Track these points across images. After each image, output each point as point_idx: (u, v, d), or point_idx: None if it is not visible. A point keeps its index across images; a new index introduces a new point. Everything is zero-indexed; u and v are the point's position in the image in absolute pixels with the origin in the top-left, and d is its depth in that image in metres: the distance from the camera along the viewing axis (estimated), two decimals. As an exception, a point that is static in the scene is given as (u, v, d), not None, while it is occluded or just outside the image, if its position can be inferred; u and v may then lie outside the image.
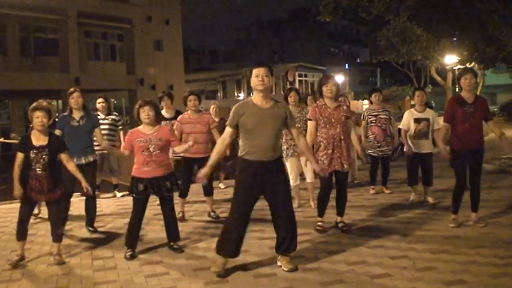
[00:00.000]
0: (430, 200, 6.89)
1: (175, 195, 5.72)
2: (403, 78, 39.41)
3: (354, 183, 8.39)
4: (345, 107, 5.54)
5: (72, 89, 5.95)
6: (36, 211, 6.37)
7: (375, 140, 7.51)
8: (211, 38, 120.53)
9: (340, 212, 5.69)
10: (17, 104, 23.28)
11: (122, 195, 8.03)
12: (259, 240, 5.30)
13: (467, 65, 26.91)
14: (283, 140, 6.55)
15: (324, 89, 5.47)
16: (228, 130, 4.35)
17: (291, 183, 6.79)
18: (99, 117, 7.79)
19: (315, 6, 25.00)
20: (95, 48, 24.33)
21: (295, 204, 6.65)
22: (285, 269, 4.36)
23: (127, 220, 5.78)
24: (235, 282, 4.17)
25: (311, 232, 5.60)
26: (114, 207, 7.37)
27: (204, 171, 4.45)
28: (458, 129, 5.45)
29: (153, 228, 6.00)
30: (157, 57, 25.94)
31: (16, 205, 7.62)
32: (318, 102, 5.62)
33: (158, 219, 6.33)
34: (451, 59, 24.22)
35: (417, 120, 6.80)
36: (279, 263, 4.46)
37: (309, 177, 6.78)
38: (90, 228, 5.95)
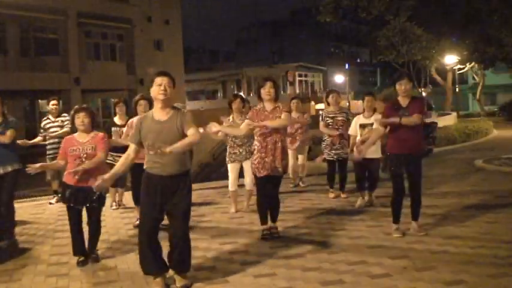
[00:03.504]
0: (359, 204, 6.79)
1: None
2: (403, 78, 39.34)
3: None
4: (281, 107, 5.31)
5: None
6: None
7: (331, 142, 7.36)
8: (211, 38, 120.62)
9: (272, 216, 5.45)
10: (17, 104, 23.28)
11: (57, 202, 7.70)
12: (259, 240, 5.30)
13: (467, 65, 27.00)
14: (229, 145, 6.54)
15: (262, 91, 5.31)
16: (131, 146, 4.12)
17: (246, 187, 6.74)
18: (49, 120, 7.78)
19: (315, 7, 24.97)
20: (95, 48, 24.31)
21: (232, 209, 6.71)
22: (178, 285, 4.12)
23: (126, 220, 5.79)
24: (235, 282, 4.17)
25: (311, 232, 5.60)
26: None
27: (101, 183, 4.13)
28: (393, 134, 5.28)
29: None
30: (157, 57, 25.97)
31: (16, 205, 7.64)
32: (255, 106, 5.48)
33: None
34: (451, 59, 24.24)
35: (362, 126, 6.68)
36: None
37: (248, 184, 6.63)
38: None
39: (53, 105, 7.85)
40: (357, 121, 6.82)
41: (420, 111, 5.18)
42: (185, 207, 4.12)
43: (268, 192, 5.38)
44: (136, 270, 4.53)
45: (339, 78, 48.70)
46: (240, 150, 6.48)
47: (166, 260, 4.18)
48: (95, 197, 4.74)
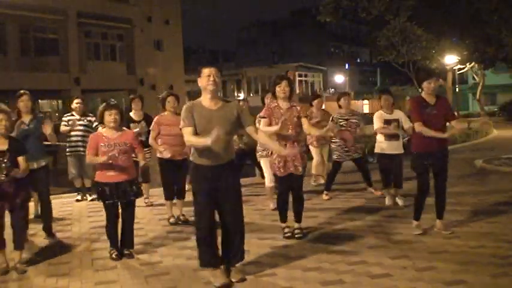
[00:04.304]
0: (400, 202, 6.78)
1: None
2: (403, 78, 39.38)
3: (359, 185, 8.32)
4: (298, 108, 5.33)
5: (21, 92, 5.77)
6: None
7: (344, 144, 7.37)
8: (211, 38, 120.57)
9: (297, 217, 5.45)
10: (17, 104, 23.26)
11: (92, 199, 7.65)
12: (259, 240, 5.29)
13: (467, 65, 27.03)
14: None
15: (278, 89, 5.29)
16: (188, 130, 4.04)
17: (266, 183, 6.79)
18: (74, 117, 7.76)
19: (315, 7, 24.97)
20: (95, 48, 24.30)
21: (271, 206, 6.69)
22: (233, 279, 4.13)
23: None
24: (235, 283, 4.16)
25: (311, 232, 5.59)
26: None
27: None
28: (419, 132, 5.22)
29: (153, 228, 6.00)
30: (157, 57, 25.96)
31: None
32: (270, 103, 5.46)
33: (158, 219, 6.34)
34: (451, 59, 24.23)
35: (387, 122, 6.68)
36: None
37: (268, 180, 6.67)
38: (47, 234, 5.67)
39: (76, 103, 7.85)
40: (380, 117, 6.75)
41: (449, 110, 5.33)
42: (236, 195, 4.20)
43: (293, 194, 5.40)
44: (136, 271, 4.54)
45: (339, 78, 48.74)
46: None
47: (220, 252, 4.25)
48: (135, 190, 4.87)
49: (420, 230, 5.37)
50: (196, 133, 4.04)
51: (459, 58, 24.05)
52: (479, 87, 34.72)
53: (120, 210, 4.93)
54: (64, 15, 20.91)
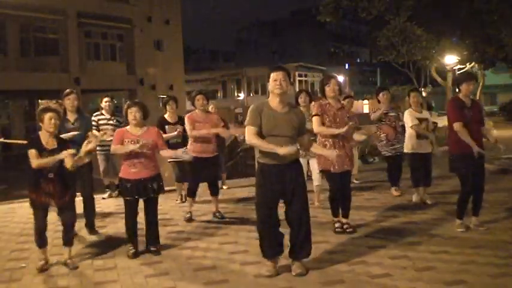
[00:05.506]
0: (428, 201, 6.85)
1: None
2: (403, 78, 39.41)
3: (356, 183, 8.37)
4: (345, 108, 5.56)
5: (68, 91, 5.87)
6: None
7: (387, 139, 7.48)
8: (211, 38, 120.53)
9: (345, 213, 5.62)
10: (17, 104, 23.27)
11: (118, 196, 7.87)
12: (258, 240, 5.29)
13: (467, 64, 27.00)
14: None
15: (327, 88, 5.47)
16: (251, 130, 4.19)
17: (316, 182, 6.87)
18: (103, 116, 7.77)
19: (315, 7, 24.95)
20: (95, 48, 24.28)
21: (316, 203, 6.82)
22: (293, 273, 4.29)
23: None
24: (235, 282, 4.17)
25: (312, 232, 5.58)
26: (114, 207, 7.36)
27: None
28: (455, 134, 5.31)
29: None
30: (157, 57, 25.93)
31: (16, 205, 7.65)
32: (320, 101, 5.60)
33: (159, 218, 6.33)
34: (451, 59, 24.20)
35: (419, 120, 6.78)
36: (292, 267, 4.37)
37: (317, 179, 6.77)
38: (90, 230, 5.88)
39: (105, 102, 7.86)
40: (412, 114, 6.82)
41: (482, 115, 5.48)
42: (302, 192, 4.30)
43: (342, 188, 5.53)
44: (136, 270, 4.54)
45: (339, 78, 48.69)
46: None
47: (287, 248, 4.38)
48: (156, 187, 4.94)
49: (463, 228, 5.46)
50: (260, 133, 4.18)
51: (459, 58, 24.00)
52: (479, 87, 34.69)
53: (144, 206, 5.05)
54: (64, 15, 20.88)
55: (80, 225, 6.11)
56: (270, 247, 4.30)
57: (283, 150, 4.04)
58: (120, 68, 24.70)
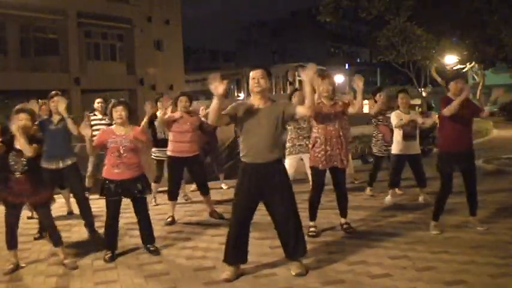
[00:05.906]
0: (422, 200, 6.83)
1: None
2: (403, 78, 39.39)
3: (355, 184, 8.36)
4: (340, 103, 5.40)
5: (53, 93, 5.83)
6: (29, 214, 6.36)
7: (383, 139, 7.44)
8: (211, 38, 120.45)
9: (343, 212, 5.58)
10: (16, 104, 23.19)
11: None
12: (259, 240, 5.29)
13: (468, 64, 27.00)
14: (288, 138, 6.46)
15: (320, 88, 5.37)
16: (218, 105, 4.03)
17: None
18: (96, 117, 7.82)
19: (315, 7, 24.93)
20: (95, 48, 24.31)
21: None
22: (292, 273, 4.28)
23: (127, 220, 5.80)
24: (235, 283, 4.17)
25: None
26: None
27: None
28: (445, 131, 5.35)
29: (154, 228, 5.98)
30: (157, 57, 25.96)
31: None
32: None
33: (158, 219, 6.33)
34: (451, 59, 24.19)
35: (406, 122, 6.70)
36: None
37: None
38: (90, 230, 5.84)
39: (98, 103, 7.95)
40: (398, 116, 6.75)
41: (475, 107, 5.46)
42: (286, 192, 4.25)
43: (338, 189, 5.49)
44: (136, 271, 4.54)
45: (339, 78, 48.63)
46: (307, 142, 6.21)
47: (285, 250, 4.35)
48: (140, 187, 4.89)
49: (438, 230, 5.39)
50: (241, 130, 4.22)
51: (459, 58, 23.99)
52: (479, 87, 34.68)
53: (133, 207, 5.03)
54: (64, 15, 20.91)
55: (80, 224, 6.13)
56: (233, 255, 4.28)
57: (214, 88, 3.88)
58: (120, 68, 24.72)
